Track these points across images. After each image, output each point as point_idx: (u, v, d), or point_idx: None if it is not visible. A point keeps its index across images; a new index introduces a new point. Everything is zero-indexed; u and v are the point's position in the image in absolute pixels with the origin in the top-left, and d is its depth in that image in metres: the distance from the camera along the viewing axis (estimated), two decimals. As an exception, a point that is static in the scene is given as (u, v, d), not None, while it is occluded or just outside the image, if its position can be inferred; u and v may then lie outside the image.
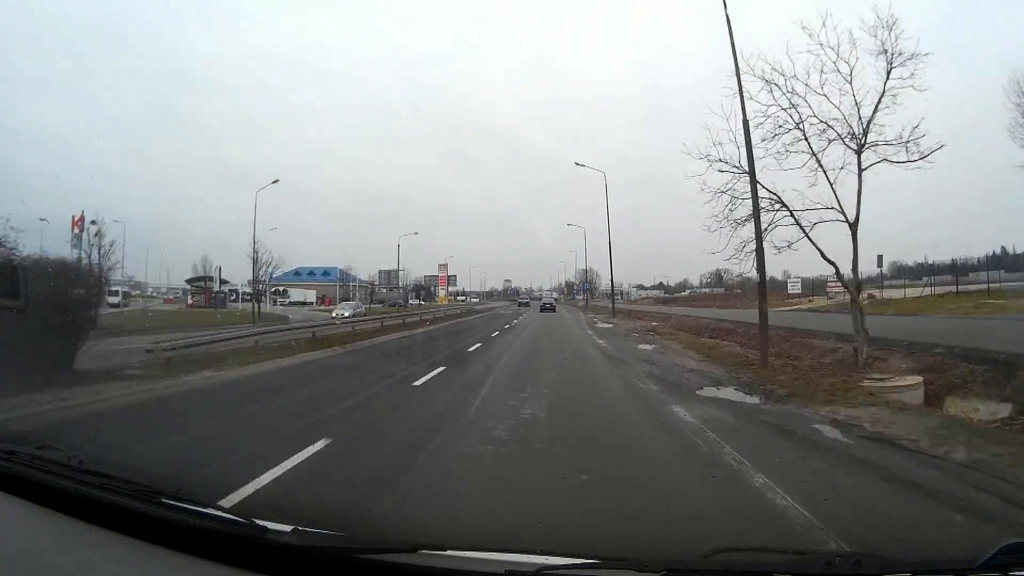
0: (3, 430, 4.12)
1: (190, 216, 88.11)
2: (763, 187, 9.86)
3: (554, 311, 44.13)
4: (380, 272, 62.32)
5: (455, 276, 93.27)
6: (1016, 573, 1.09)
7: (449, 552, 1.21)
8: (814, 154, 9.74)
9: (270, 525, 1.25)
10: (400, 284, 63.92)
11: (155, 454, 4.00)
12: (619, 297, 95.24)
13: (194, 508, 1.33)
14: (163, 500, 1.35)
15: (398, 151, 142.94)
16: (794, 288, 41.80)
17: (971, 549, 1.16)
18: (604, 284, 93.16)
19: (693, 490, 3.57)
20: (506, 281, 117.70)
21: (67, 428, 5.26)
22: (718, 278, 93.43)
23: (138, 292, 50.97)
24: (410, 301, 68.97)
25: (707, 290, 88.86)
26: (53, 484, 1.45)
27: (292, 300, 53.60)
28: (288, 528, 1.25)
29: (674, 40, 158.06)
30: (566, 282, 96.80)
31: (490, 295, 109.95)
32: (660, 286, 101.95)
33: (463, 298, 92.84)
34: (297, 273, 53.40)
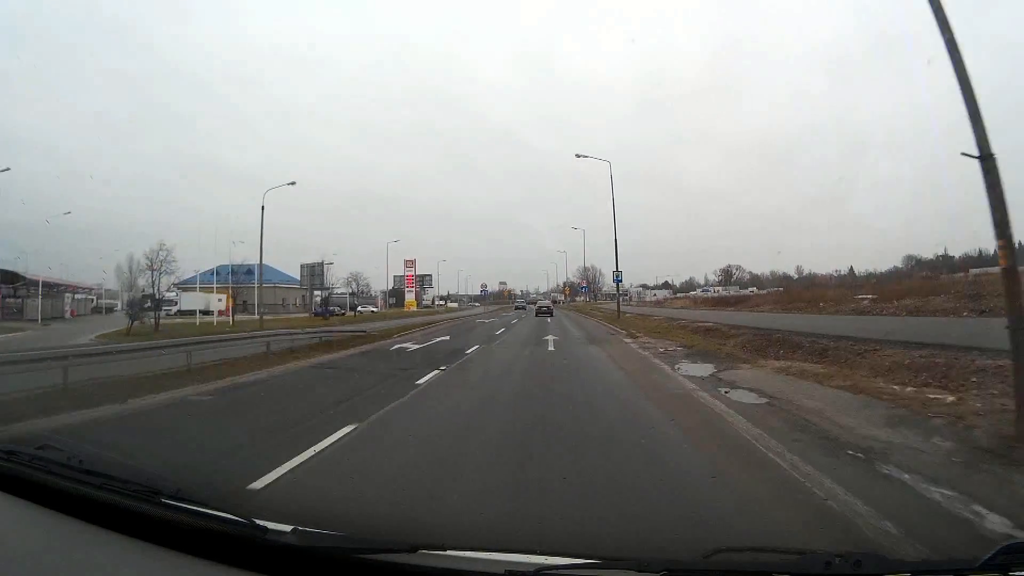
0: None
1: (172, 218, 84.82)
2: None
3: (551, 315, 37.85)
4: (302, 267, 40.96)
5: (429, 276, 78.18)
6: (1016, 573, 1.09)
7: (449, 552, 1.22)
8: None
9: (270, 525, 1.25)
10: (325, 283, 44.38)
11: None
12: (625, 297, 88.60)
13: (194, 508, 1.33)
14: (163, 500, 1.35)
15: (393, 148, 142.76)
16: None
17: (971, 549, 1.16)
18: (607, 284, 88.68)
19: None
20: (501, 283, 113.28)
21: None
22: (727, 275, 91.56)
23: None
24: (362, 308, 55.36)
25: (720, 288, 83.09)
26: (53, 484, 1.45)
27: (183, 308, 40.27)
28: (288, 528, 1.25)
29: (675, 38, 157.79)
30: (565, 283, 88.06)
31: (482, 299, 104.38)
32: (666, 285, 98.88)
33: (442, 303, 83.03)
34: (215, 273, 41.51)
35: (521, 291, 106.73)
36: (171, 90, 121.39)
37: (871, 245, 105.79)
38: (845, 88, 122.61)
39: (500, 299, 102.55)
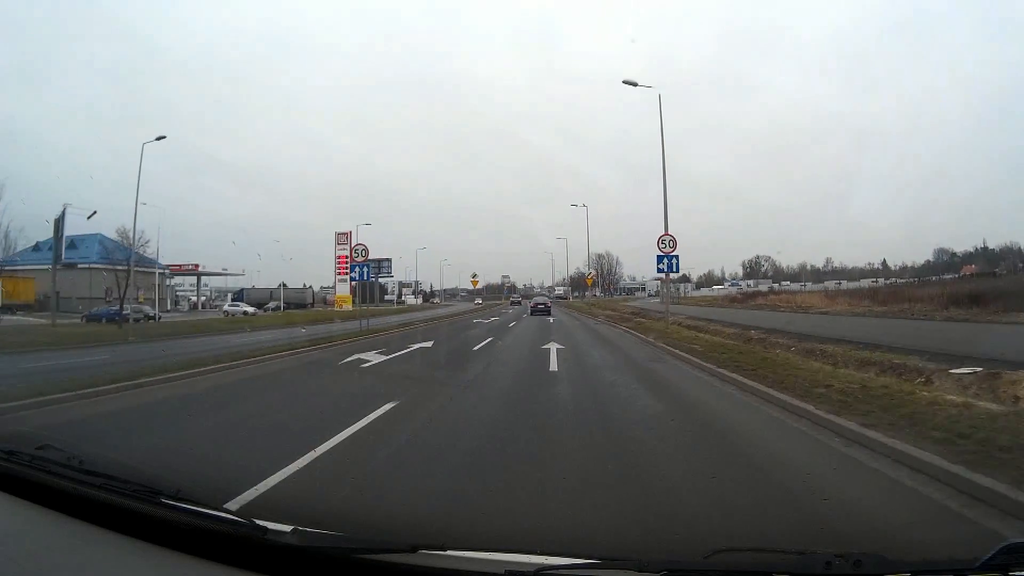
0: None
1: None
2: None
3: (549, 314, 31.63)
4: (119, 232, 25.46)
5: (389, 260, 55.04)
6: (1016, 573, 1.09)
7: (449, 552, 1.22)
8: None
9: (270, 525, 1.25)
10: (132, 260, 24.60)
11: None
12: (642, 293, 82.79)
13: (194, 508, 1.33)
14: (163, 500, 1.35)
15: (389, 139, 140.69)
16: None
17: (971, 549, 1.16)
18: (622, 277, 79.96)
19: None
20: (504, 276, 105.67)
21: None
22: (755, 269, 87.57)
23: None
24: (230, 308, 40.56)
25: (749, 283, 77.43)
26: (53, 484, 1.45)
27: None
28: (288, 528, 1.25)
29: (679, 35, 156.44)
30: (572, 277, 72.75)
31: (478, 292, 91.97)
32: (684, 279, 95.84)
33: (408, 298, 71.70)
34: (37, 250, 31.56)
35: (524, 284, 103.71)
36: (161, 80, 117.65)
37: (882, 239, 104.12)
38: (858, 81, 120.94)
39: (479, 293, 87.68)
